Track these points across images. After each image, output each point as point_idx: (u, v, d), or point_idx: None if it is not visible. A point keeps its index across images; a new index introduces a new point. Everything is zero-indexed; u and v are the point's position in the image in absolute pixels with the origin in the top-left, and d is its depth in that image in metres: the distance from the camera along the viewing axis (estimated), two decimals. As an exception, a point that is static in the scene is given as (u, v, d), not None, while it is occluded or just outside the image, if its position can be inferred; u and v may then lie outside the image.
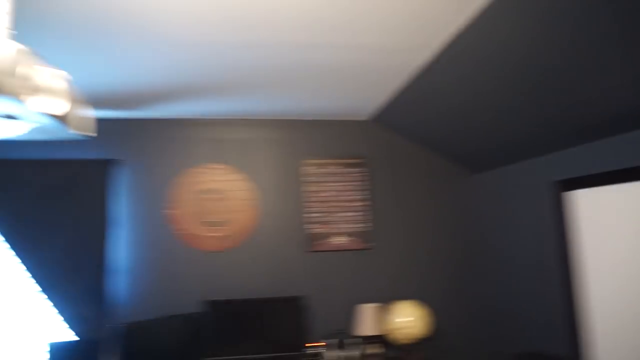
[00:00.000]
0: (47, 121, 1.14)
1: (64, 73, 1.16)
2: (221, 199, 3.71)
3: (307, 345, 3.52)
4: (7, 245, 3.34)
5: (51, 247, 3.37)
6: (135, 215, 3.61)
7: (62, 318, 3.34)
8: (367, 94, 3.27)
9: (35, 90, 1.03)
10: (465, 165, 3.98)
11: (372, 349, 3.54)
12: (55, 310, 3.33)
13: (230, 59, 2.58)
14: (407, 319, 3.46)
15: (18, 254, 3.34)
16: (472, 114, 3.03)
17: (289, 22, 2.14)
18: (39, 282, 3.33)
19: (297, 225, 3.79)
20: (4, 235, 3.34)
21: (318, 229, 3.79)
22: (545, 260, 3.06)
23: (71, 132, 1.24)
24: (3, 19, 1.08)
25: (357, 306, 3.71)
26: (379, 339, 3.57)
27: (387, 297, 3.78)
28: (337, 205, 3.83)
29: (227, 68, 2.71)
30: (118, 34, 2.22)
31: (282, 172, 3.83)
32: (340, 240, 3.81)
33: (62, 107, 1.13)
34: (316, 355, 3.49)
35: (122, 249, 3.57)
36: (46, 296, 3.33)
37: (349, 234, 3.82)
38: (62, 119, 1.18)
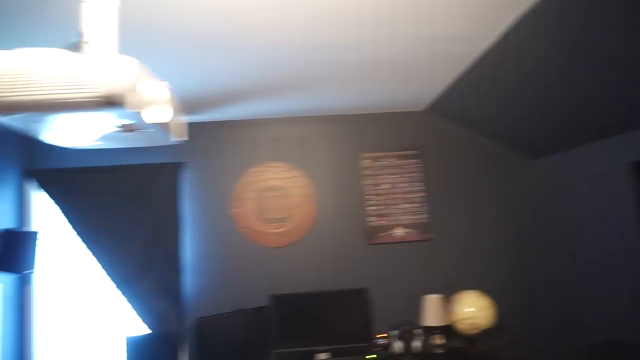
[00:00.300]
0: (154, 130, 1.23)
1: (166, 83, 1.25)
2: (282, 196, 3.81)
3: (377, 336, 3.58)
4: (85, 246, 3.56)
5: (128, 248, 3.57)
6: (201, 215, 3.77)
7: (137, 313, 3.54)
8: (425, 84, 3.27)
9: (149, 102, 1.12)
10: (524, 151, 3.90)
11: (437, 340, 3.54)
12: (131, 306, 3.54)
13: (292, 60, 2.65)
14: (472, 309, 3.44)
15: (96, 254, 3.56)
16: (534, 98, 2.96)
17: (351, 20, 2.18)
18: (116, 280, 3.55)
19: (357, 218, 3.84)
20: (84, 238, 3.57)
21: (377, 221, 3.83)
22: (625, 245, 2.95)
23: (172, 139, 1.34)
24: (115, 37, 1.18)
25: (420, 297, 3.72)
26: (444, 330, 3.57)
27: (449, 288, 3.77)
28: (396, 198, 3.85)
29: (288, 68, 2.78)
30: (186, 42, 2.33)
31: (340, 167, 3.89)
32: (399, 232, 3.83)
33: (168, 115, 1.22)
34: (384, 346, 3.53)
35: (191, 247, 3.74)
36: (123, 292, 3.54)
37: (409, 226, 3.83)
38: (165, 126, 1.27)
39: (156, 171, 3.69)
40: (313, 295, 3.61)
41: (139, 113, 1.06)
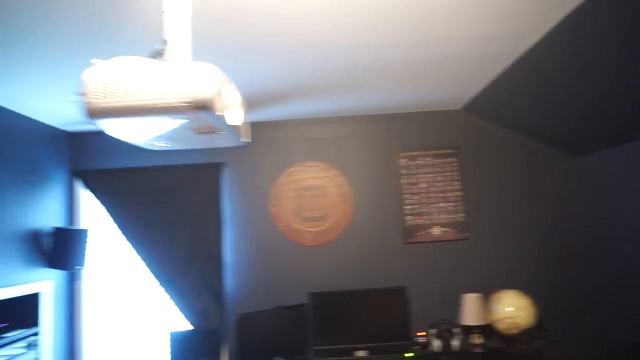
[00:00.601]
0: (229, 132, 1.29)
1: (235, 86, 1.30)
2: (319, 195, 3.86)
3: (417, 334, 3.59)
4: (130, 244, 3.68)
5: (171, 246, 3.67)
6: (241, 214, 3.85)
7: (180, 309, 3.63)
8: (464, 83, 3.26)
9: (228, 105, 1.17)
10: (564, 149, 3.85)
11: (476, 339, 3.54)
12: (174, 302, 3.63)
13: (333, 61, 2.68)
14: (511, 309, 3.42)
15: (140, 252, 3.67)
16: (574, 96, 2.93)
17: (397, 20, 2.20)
18: (159, 277, 3.65)
19: (394, 217, 3.86)
20: (129, 237, 3.68)
21: (415, 220, 3.84)
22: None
23: (242, 140, 1.39)
24: (189, 45, 1.24)
25: (459, 296, 3.72)
26: (483, 329, 3.56)
27: (488, 287, 3.75)
28: (433, 197, 3.85)
29: (329, 70, 2.82)
30: (231, 44, 2.38)
31: (377, 166, 3.92)
32: (437, 231, 3.83)
33: (241, 118, 1.28)
34: (423, 344, 3.55)
35: (231, 245, 3.82)
36: (166, 289, 3.64)
37: (446, 225, 3.84)
38: (238, 128, 1.33)
39: (197, 171, 3.79)
40: (351, 293, 3.64)
41: (222, 116, 1.12)
